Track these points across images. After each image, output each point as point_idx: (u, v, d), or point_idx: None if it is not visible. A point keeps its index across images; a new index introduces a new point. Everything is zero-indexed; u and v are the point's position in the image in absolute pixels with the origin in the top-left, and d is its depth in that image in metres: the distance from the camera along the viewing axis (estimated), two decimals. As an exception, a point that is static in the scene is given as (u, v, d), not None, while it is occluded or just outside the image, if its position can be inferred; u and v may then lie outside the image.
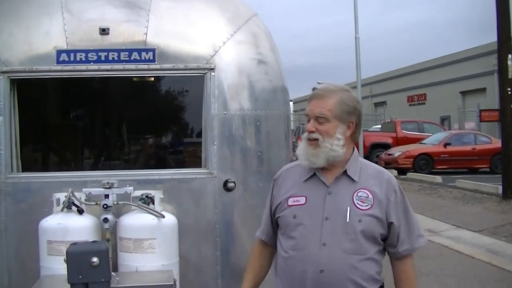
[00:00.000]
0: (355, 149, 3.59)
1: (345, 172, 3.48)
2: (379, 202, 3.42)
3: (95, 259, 4.05)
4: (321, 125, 3.43)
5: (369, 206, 3.40)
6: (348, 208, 3.38)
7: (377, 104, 61.07)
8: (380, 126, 39.90)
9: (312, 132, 3.45)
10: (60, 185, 5.24)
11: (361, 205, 3.40)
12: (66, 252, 4.10)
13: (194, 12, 5.78)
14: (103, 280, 4.12)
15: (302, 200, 3.50)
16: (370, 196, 3.42)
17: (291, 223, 3.49)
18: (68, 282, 4.09)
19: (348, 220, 3.36)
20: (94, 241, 4.54)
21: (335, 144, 3.41)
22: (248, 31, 5.84)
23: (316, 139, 3.43)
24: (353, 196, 3.42)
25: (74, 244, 4.21)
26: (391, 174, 3.63)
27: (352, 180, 3.47)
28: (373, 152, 31.90)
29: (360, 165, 3.55)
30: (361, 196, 3.42)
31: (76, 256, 4.08)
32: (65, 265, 4.12)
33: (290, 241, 3.49)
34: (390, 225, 3.44)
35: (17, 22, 5.65)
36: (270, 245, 3.80)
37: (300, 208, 3.48)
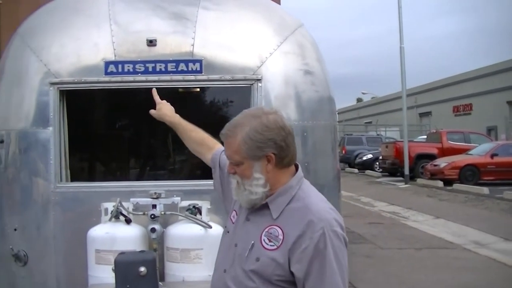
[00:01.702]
0: (294, 177, 3.05)
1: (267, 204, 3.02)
2: (286, 245, 2.87)
3: (142, 269, 4.08)
4: (237, 167, 3.02)
5: (275, 247, 2.89)
6: (252, 243, 2.95)
7: (422, 115, 60.50)
8: (425, 136, 39.47)
9: (233, 174, 3.07)
10: (108, 194, 5.30)
11: (266, 243, 2.92)
12: (114, 262, 4.14)
13: (241, 23, 5.81)
14: (150, 289, 4.15)
15: (235, 218, 3.21)
16: (281, 236, 2.90)
17: (222, 237, 3.31)
18: (116, 291, 4.12)
19: (246, 255, 2.94)
20: (141, 251, 4.57)
21: (254, 185, 2.98)
22: (295, 41, 5.83)
23: (238, 181, 3.05)
24: (263, 231, 2.95)
25: (122, 253, 4.24)
26: (323, 218, 2.90)
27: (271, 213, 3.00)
28: (418, 163, 31.59)
29: (291, 199, 2.99)
30: (271, 234, 2.93)
31: (124, 266, 4.11)
32: (113, 274, 4.15)
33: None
34: (292, 274, 2.87)
35: (66, 34, 5.74)
36: (211, 157, 3.78)
37: (231, 225, 3.23)
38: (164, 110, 4.00)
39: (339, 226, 2.92)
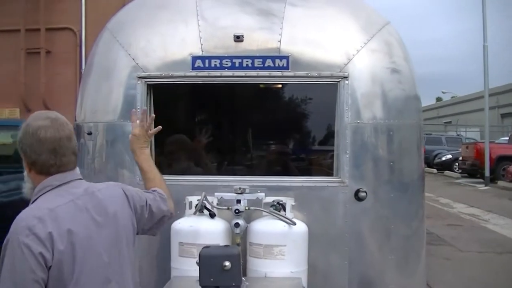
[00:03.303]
0: (40, 183, 3.00)
1: None
2: None
3: (227, 263, 4.09)
4: None
5: None
6: None
7: (504, 115, 59.04)
8: (507, 138, 38.55)
9: None
10: (192, 188, 5.37)
11: None
12: (199, 255, 4.16)
13: (327, 20, 5.78)
14: (234, 284, 4.15)
15: None
16: None
17: None
18: (200, 285, 4.14)
19: None
20: (226, 246, 4.61)
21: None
22: (382, 39, 5.77)
23: None
24: None
25: (206, 247, 4.26)
26: (15, 224, 2.82)
27: None
28: (499, 164, 30.83)
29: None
30: None
31: (209, 260, 4.13)
32: (196, 267, 4.17)
33: None
34: None
35: (154, 29, 5.83)
36: None
37: None
38: (134, 145, 4.07)
39: (31, 236, 2.75)
